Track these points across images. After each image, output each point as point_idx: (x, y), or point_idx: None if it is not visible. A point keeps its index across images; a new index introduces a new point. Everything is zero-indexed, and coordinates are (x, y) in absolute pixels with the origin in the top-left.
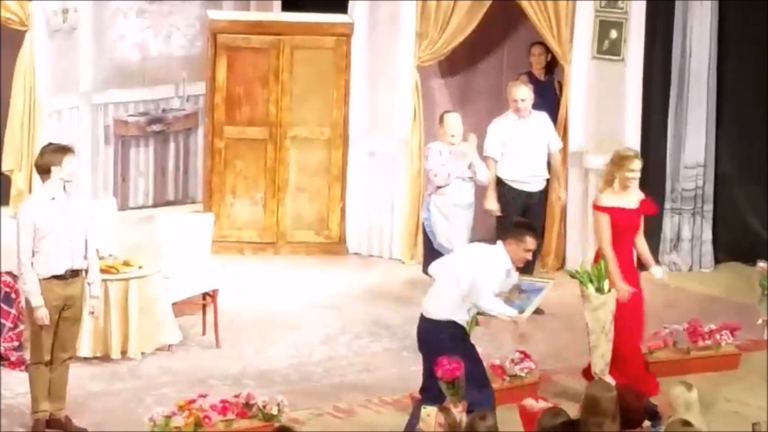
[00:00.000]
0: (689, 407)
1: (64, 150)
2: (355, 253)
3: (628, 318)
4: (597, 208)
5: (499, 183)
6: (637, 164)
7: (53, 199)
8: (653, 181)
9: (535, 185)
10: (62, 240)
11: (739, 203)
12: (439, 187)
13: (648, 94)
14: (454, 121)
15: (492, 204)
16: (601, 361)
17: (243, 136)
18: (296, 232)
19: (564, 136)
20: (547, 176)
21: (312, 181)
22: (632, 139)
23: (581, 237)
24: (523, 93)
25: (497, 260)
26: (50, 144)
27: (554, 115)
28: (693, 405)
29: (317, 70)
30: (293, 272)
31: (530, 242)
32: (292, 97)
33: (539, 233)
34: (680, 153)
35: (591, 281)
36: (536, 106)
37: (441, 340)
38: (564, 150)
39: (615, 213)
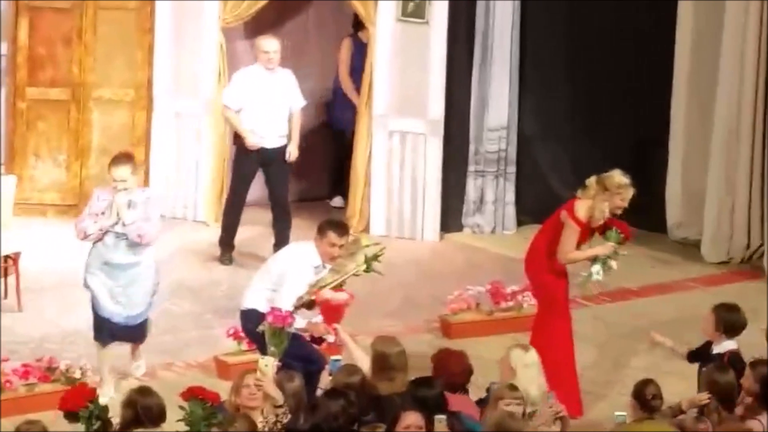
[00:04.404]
0: (528, 367)
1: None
2: (160, 216)
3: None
4: (574, 219)
5: (237, 135)
6: (631, 194)
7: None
8: (457, 143)
9: (274, 141)
10: None
11: (541, 165)
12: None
13: (452, 57)
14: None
15: (247, 134)
16: None
17: (45, 97)
18: None
19: (369, 99)
20: (286, 134)
21: (116, 143)
22: (436, 101)
23: (386, 199)
24: (273, 45)
25: (305, 257)
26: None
27: None
28: (531, 366)
29: (121, 30)
30: None
31: (333, 237)
32: (96, 58)
33: (285, 193)
34: (484, 115)
35: None
36: (360, 69)
37: (251, 329)
38: (368, 112)
39: (583, 228)
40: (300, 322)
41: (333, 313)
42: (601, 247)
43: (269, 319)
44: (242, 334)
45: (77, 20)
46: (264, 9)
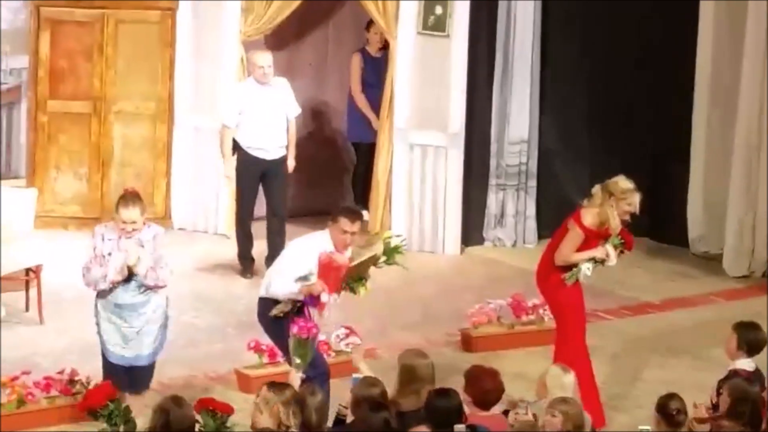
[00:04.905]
0: (564, 389)
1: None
2: (180, 229)
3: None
4: (580, 226)
5: (237, 148)
6: (638, 199)
7: None
8: (478, 156)
9: (274, 153)
10: None
11: (561, 179)
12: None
13: (473, 71)
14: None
15: (228, 171)
16: None
17: (67, 110)
18: None
19: (389, 112)
20: (285, 144)
21: (137, 156)
22: (457, 115)
23: (407, 212)
24: (267, 59)
25: (316, 242)
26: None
27: None
28: (568, 387)
29: (142, 44)
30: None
31: (345, 223)
32: (117, 72)
33: (284, 203)
34: (505, 129)
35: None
36: (376, 83)
37: (263, 315)
38: (390, 125)
39: (588, 234)
40: (294, 286)
41: (331, 273)
42: (596, 250)
43: (294, 329)
44: (263, 347)
45: (98, 34)
46: (284, 23)
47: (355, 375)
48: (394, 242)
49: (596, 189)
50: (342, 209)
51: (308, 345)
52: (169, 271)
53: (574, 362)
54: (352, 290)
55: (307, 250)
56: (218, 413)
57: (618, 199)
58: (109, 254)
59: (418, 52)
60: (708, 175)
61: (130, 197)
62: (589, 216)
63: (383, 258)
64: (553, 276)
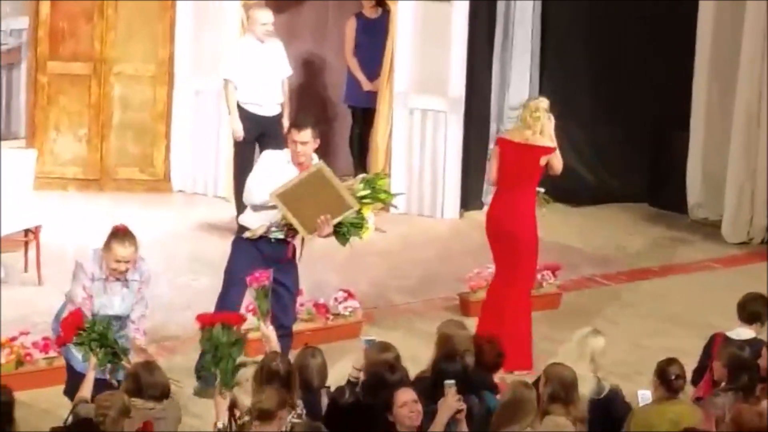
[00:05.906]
0: (583, 353)
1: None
2: (180, 191)
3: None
4: (551, 150)
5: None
6: None
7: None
8: (477, 121)
9: (270, 109)
10: None
11: (561, 144)
12: None
13: (473, 35)
14: None
15: (236, 124)
16: None
17: (67, 71)
18: (120, 169)
19: (389, 76)
20: (281, 101)
21: (137, 118)
22: (458, 79)
23: (406, 176)
24: (270, 17)
25: (273, 155)
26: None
27: None
28: (587, 352)
29: (143, 6)
30: (117, 209)
31: (293, 133)
32: (117, 33)
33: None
34: (505, 94)
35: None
36: (369, 45)
37: None
38: (389, 90)
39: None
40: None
41: None
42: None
43: (248, 281)
44: None
45: None
46: None
47: (365, 338)
48: (382, 183)
49: (537, 113)
50: (292, 122)
51: (260, 295)
52: (147, 315)
53: (526, 304)
54: (355, 234)
55: (263, 160)
56: (231, 326)
57: (550, 115)
58: (91, 297)
59: (419, 17)
60: (708, 142)
61: (123, 234)
62: (548, 141)
63: (364, 190)
64: (529, 215)
